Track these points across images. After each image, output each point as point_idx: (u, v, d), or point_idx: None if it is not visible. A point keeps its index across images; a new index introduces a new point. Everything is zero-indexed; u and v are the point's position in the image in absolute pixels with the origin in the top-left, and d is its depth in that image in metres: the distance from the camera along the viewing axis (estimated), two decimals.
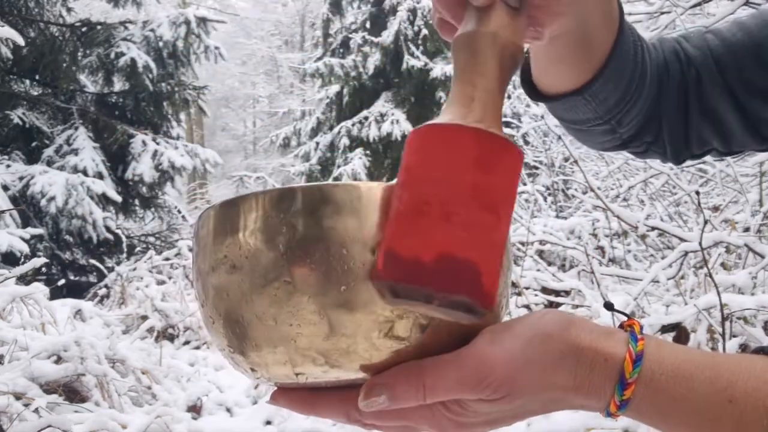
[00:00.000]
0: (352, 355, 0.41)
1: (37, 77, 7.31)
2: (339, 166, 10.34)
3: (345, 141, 10.53)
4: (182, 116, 8.49)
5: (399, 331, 0.41)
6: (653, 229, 3.02)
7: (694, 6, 2.89)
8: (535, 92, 0.61)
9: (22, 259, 4.52)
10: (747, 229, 2.74)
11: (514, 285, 2.89)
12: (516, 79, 0.59)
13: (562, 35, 0.51)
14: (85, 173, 6.53)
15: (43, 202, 6.06)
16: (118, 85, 7.69)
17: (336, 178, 9.76)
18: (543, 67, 0.58)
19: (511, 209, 0.36)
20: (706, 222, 2.12)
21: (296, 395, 0.45)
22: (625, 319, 0.45)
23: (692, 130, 0.64)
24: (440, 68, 10.11)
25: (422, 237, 0.35)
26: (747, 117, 0.62)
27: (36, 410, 2.04)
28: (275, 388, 0.47)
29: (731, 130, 0.63)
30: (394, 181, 0.40)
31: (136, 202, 7.72)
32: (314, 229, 0.40)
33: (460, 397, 0.42)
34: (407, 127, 10.16)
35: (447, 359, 0.41)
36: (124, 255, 6.95)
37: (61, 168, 6.55)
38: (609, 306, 0.50)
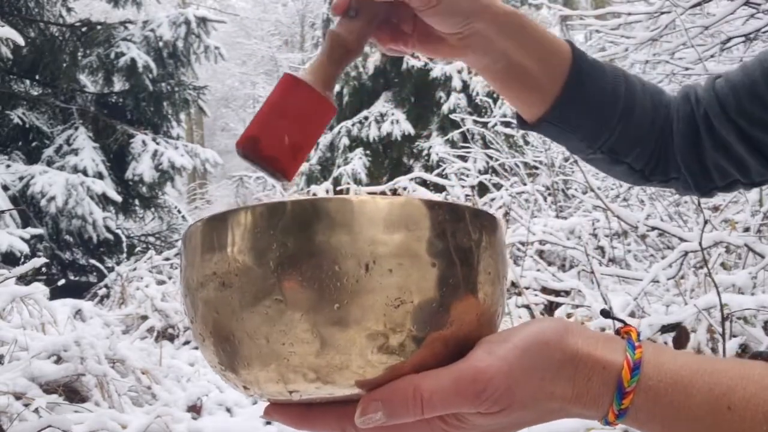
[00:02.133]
0: (346, 371, 0.40)
1: (37, 77, 7.31)
2: (339, 166, 10.33)
3: (345, 141, 10.52)
4: (182, 116, 8.48)
5: (393, 346, 0.40)
6: (653, 229, 3.02)
7: (694, 6, 2.89)
8: (524, 123, 0.71)
9: (22, 259, 4.53)
10: (747, 229, 2.74)
11: (514, 285, 2.89)
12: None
13: (486, 70, 0.65)
14: (85, 173, 6.53)
15: (43, 202, 6.06)
16: (118, 85, 7.69)
17: (336, 178, 9.75)
18: (509, 100, 0.69)
19: (305, 121, 0.57)
20: (706, 222, 2.12)
21: (290, 410, 0.44)
22: (623, 325, 0.45)
23: (709, 163, 0.70)
24: (440, 68, 10.11)
25: (255, 126, 0.57)
26: (753, 146, 0.67)
27: (36, 410, 2.04)
28: (268, 402, 0.46)
29: (743, 159, 0.69)
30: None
31: (136, 202, 7.73)
32: (306, 245, 0.39)
33: (458, 411, 0.41)
34: (407, 127, 10.15)
35: (444, 373, 0.41)
36: (124, 255, 6.96)
37: (61, 168, 6.55)
38: (606, 313, 0.50)
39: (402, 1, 0.57)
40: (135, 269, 5.11)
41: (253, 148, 0.55)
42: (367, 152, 10.32)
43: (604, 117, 0.67)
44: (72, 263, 7.01)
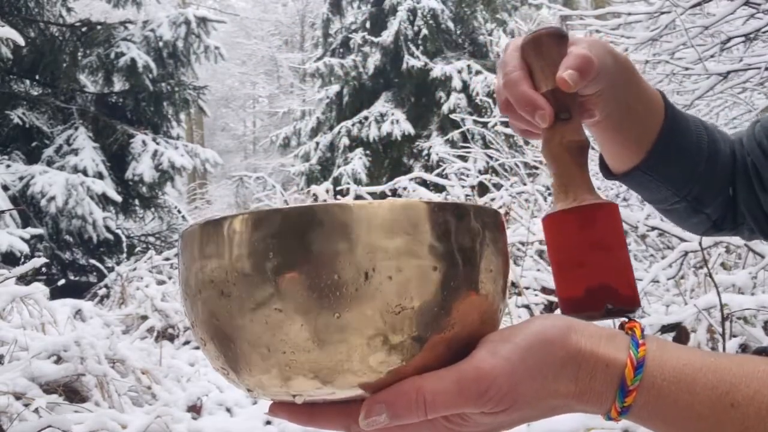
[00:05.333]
0: (348, 375, 0.40)
1: (37, 77, 7.31)
2: (339, 166, 10.34)
3: (345, 141, 10.52)
4: (182, 116, 8.49)
5: (395, 350, 0.40)
6: (653, 229, 3.02)
7: (694, 6, 2.89)
8: (609, 173, 0.73)
9: (22, 259, 4.53)
10: None
11: (514, 285, 2.89)
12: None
13: (600, 122, 0.65)
14: (85, 173, 6.54)
15: (43, 202, 6.06)
16: (118, 85, 7.69)
17: (336, 178, 9.75)
18: (605, 150, 0.71)
19: (621, 238, 0.54)
20: None
21: (295, 408, 0.45)
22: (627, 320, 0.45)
23: (765, 207, 0.71)
24: (440, 68, 10.10)
25: (571, 283, 0.53)
26: None
27: (36, 410, 2.04)
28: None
29: None
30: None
31: (136, 202, 7.73)
32: (304, 254, 0.38)
33: (461, 411, 0.41)
34: (407, 127, 10.16)
35: (446, 374, 0.41)
36: (124, 255, 6.96)
37: (61, 168, 6.55)
38: (609, 311, 0.50)
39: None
40: (135, 269, 5.11)
41: (614, 299, 0.51)
42: (367, 152, 10.32)
43: (692, 165, 0.70)
44: (72, 263, 7.01)
